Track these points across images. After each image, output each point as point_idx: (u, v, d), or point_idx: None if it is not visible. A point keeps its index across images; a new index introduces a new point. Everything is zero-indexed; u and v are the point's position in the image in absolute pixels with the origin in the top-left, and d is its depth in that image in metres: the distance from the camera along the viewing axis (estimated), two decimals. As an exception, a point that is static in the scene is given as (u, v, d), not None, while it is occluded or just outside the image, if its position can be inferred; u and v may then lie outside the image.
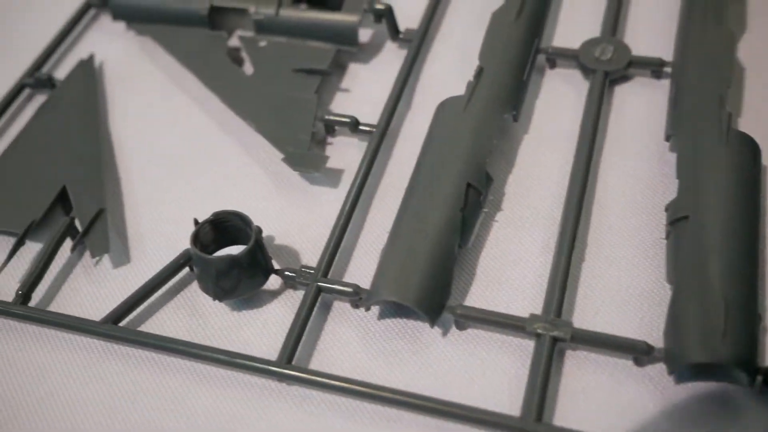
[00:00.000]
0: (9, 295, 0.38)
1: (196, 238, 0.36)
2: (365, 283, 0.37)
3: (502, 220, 0.39)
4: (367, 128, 0.42)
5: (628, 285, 0.36)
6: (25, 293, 0.37)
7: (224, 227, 0.37)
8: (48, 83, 0.47)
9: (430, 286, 0.34)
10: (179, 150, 0.44)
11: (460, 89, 0.44)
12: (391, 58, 0.47)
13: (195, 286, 0.38)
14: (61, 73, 0.48)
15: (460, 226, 0.36)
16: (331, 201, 0.41)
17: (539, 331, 0.33)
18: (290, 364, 0.34)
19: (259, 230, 0.36)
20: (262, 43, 0.47)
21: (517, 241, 0.38)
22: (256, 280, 0.36)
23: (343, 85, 0.46)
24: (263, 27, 0.47)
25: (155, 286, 0.37)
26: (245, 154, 0.43)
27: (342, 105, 0.45)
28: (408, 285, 0.34)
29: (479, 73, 0.41)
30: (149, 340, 0.35)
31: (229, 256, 0.35)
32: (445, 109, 0.41)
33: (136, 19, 0.50)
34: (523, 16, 0.44)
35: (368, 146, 0.41)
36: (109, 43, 0.50)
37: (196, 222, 0.36)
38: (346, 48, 0.46)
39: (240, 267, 0.35)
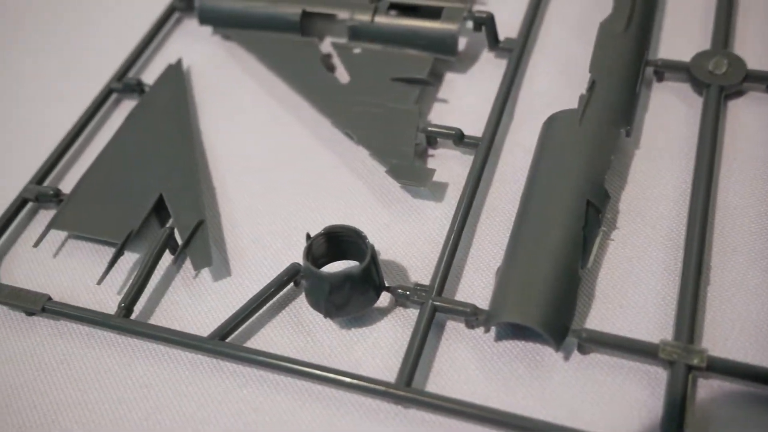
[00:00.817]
0: (104, 304, 0.37)
1: (308, 253, 0.35)
2: (477, 300, 0.35)
3: (618, 239, 0.37)
4: (472, 140, 0.41)
5: (758, 311, 0.34)
6: (127, 306, 0.36)
7: (336, 241, 0.36)
8: (137, 88, 0.46)
9: (555, 308, 0.33)
10: (273, 159, 0.43)
11: (562, 100, 0.43)
12: (489, 67, 0.45)
13: (300, 301, 0.37)
14: (147, 77, 0.47)
15: (583, 245, 0.34)
16: (436, 216, 0.39)
17: (673, 358, 0.32)
18: (410, 386, 0.33)
19: (374, 248, 0.34)
20: (356, 51, 0.46)
21: (636, 261, 0.36)
22: (368, 297, 0.35)
23: (441, 95, 0.44)
24: (357, 34, 0.46)
25: (262, 301, 0.36)
26: (342, 164, 0.42)
27: (440, 115, 0.43)
28: (532, 306, 0.33)
29: (592, 85, 0.40)
30: (260, 358, 0.34)
31: (345, 272, 0.34)
32: (557, 123, 0.39)
33: (223, 24, 0.48)
34: (632, 26, 0.43)
35: (474, 159, 0.40)
36: (195, 48, 0.49)
37: (308, 236, 0.35)
38: (444, 57, 0.45)
39: (353, 283, 0.34)
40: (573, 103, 0.42)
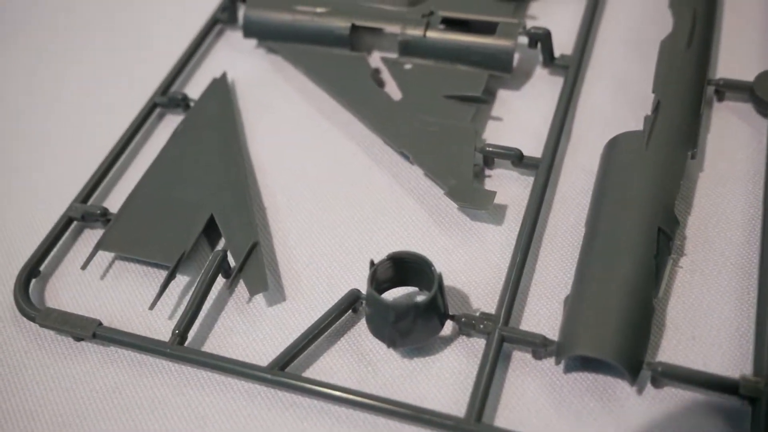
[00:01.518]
0: (156, 330, 0.36)
1: (372, 280, 0.33)
2: (543, 329, 0.34)
3: (687, 266, 0.36)
4: (531, 162, 0.39)
5: (838, 345, 0.33)
6: (181, 333, 0.35)
7: (400, 267, 0.34)
8: (182, 103, 0.45)
9: (629, 340, 0.32)
10: (325, 177, 0.42)
11: (620, 119, 0.42)
12: (544, 84, 0.44)
13: (359, 329, 0.35)
14: (191, 90, 0.46)
15: (655, 274, 0.33)
16: (496, 239, 0.38)
17: (756, 394, 0.30)
18: (480, 421, 0.31)
19: (441, 277, 0.33)
20: (408, 66, 0.45)
21: (707, 290, 0.35)
22: (432, 326, 0.34)
23: (495, 113, 0.43)
24: (408, 49, 0.44)
25: (321, 329, 0.34)
26: (396, 183, 0.41)
27: (495, 134, 0.42)
28: (606, 339, 0.32)
29: (657, 107, 0.39)
30: (322, 389, 0.33)
31: (412, 301, 0.32)
32: (621, 145, 0.38)
33: (269, 37, 0.47)
34: (694, 44, 0.41)
35: (535, 182, 0.39)
36: (239, 61, 0.48)
37: (372, 263, 0.34)
38: (499, 74, 0.43)
39: (418, 312, 0.33)
40: (631, 122, 0.41)
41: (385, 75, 0.45)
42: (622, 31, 0.46)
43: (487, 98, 0.43)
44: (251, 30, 0.47)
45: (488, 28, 0.44)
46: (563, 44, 0.45)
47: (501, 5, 0.47)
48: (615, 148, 0.38)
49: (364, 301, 0.35)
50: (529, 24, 0.46)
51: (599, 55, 0.45)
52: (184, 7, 0.52)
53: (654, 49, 0.44)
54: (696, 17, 0.42)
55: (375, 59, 0.47)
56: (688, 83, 0.40)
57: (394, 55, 0.45)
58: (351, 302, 0.35)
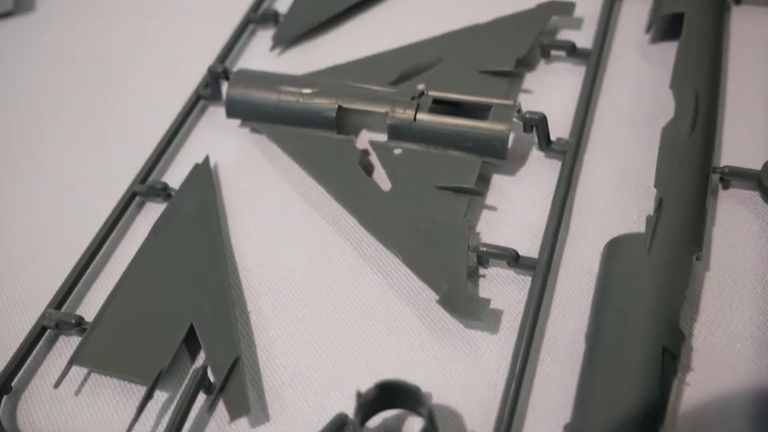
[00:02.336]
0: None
1: (359, 411, 0.31)
2: (542, 455, 0.32)
3: (694, 383, 0.34)
4: (528, 262, 0.37)
5: None
6: (159, 462, 0.33)
7: (389, 393, 0.32)
8: (162, 192, 0.43)
9: (634, 478, 0.30)
10: (312, 278, 0.39)
11: (622, 208, 0.40)
12: (540, 169, 0.42)
13: (347, 455, 0.34)
14: (173, 174, 0.44)
15: (661, 401, 0.31)
16: (492, 349, 0.36)
17: None
18: None
19: (432, 409, 0.31)
20: (397, 151, 0.43)
21: (717, 410, 0.33)
22: (424, 460, 0.32)
23: (489, 201, 0.41)
24: (398, 133, 0.42)
25: (307, 459, 0.32)
26: (386, 284, 0.39)
27: (489, 226, 0.40)
28: (609, 479, 0.30)
29: (660, 205, 0.37)
30: None
31: (400, 439, 0.31)
32: (621, 249, 0.36)
33: (253, 118, 0.45)
34: (697, 131, 0.39)
35: (532, 285, 0.37)
36: (222, 141, 0.46)
37: (358, 395, 0.32)
38: (493, 160, 0.41)
39: (409, 447, 0.31)
40: (633, 213, 0.39)
41: (374, 159, 0.43)
42: (621, 112, 0.44)
43: (480, 190, 0.41)
44: (234, 110, 0.45)
45: (481, 109, 0.42)
46: (559, 123, 0.43)
47: (494, 80, 0.45)
48: (615, 253, 0.36)
49: (351, 426, 0.33)
50: (524, 100, 0.45)
51: (597, 138, 0.43)
52: (164, 85, 0.50)
53: (655, 130, 0.42)
54: (698, 100, 0.40)
55: (363, 141, 0.45)
56: (692, 175, 0.38)
57: (383, 137, 0.43)
58: (338, 428, 0.33)
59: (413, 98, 0.43)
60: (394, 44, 0.49)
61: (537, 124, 0.41)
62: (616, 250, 0.36)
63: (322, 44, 0.51)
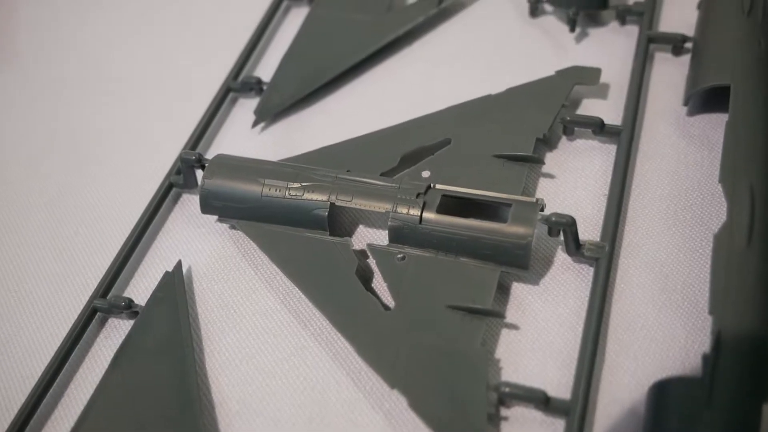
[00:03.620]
0: None
1: None
2: None
3: None
4: (560, 405, 0.31)
5: None
6: None
7: None
8: (126, 309, 0.37)
9: None
10: (300, 418, 0.33)
11: (666, 330, 0.34)
12: (568, 277, 0.36)
13: None
14: (139, 282, 0.38)
15: None
16: None
17: None
18: None
19: None
20: (400, 257, 0.36)
21: None
22: None
23: (510, 319, 0.35)
24: (401, 236, 0.36)
25: None
26: (389, 426, 0.33)
27: (510, 351, 0.34)
28: None
29: (718, 341, 0.30)
30: None
31: None
32: (673, 397, 0.30)
33: (232, 215, 0.39)
34: (756, 238, 0.33)
35: (566, 434, 0.31)
36: (197, 240, 0.40)
37: None
38: (513, 270, 0.35)
39: None
40: (681, 336, 0.34)
41: (372, 264, 0.37)
42: (659, 205, 0.38)
43: (500, 312, 0.35)
44: (210, 206, 0.39)
45: (500, 212, 0.36)
46: (587, 217, 0.38)
47: (512, 167, 0.39)
48: (665, 402, 0.30)
49: None
50: (545, 188, 0.39)
51: (633, 238, 0.37)
52: (134, 168, 0.44)
53: (701, 229, 0.36)
54: (755, 198, 0.34)
55: (361, 239, 0.39)
56: (754, 298, 0.32)
57: (383, 236, 0.37)
58: None
59: (418, 195, 0.36)
60: (394, 116, 0.43)
61: (564, 228, 0.35)
62: (665, 397, 0.30)
63: (312, 116, 0.45)
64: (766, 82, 0.39)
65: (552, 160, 0.41)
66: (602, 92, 0.43)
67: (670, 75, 0.44)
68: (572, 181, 0.40)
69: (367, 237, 0.39)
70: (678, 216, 0.37)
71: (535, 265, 0.36)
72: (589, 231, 0.37)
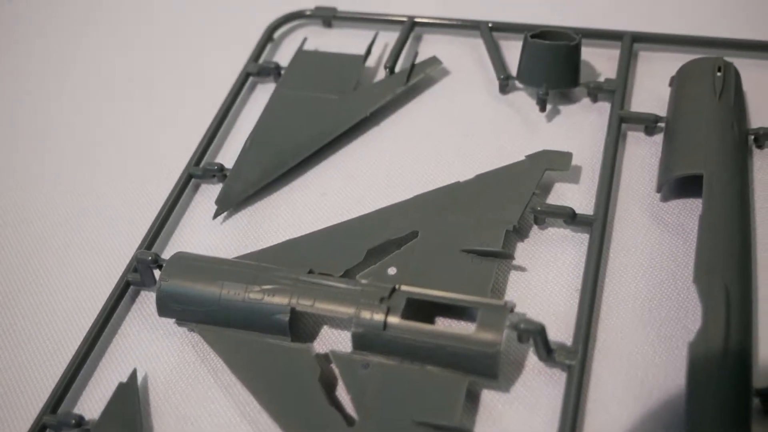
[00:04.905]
0: None
1: None
2: None
3: None
4: None
5: None
6: None
7: None
8: (77, 426, 0.35)
9: None
10: None
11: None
12: (539, 384, 0.34)
13: None
14: (92, 394, 0.37)
15: None
16: None
17: None
18: None
19: None
20: (364, 366, 0.35)
21: None
22: None
23: (478, 431, 0.34)
24: (365, 343, 0.35)
25: None
26: None
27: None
28: None
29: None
30: None
31: None
32: None
33: (190, 318, 0.37)
34: (732, 346, 0.32)
35: None
36: (155, 342, 0.38)
37: None
38: (481, 379, 0.34)
39: None
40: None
41: (336, 370, 0.36)
42: (633, 302, 0.36)
43: (467, 428, 0.33)
44: (167, 309, 0.37)
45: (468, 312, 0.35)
46: (559, 315, 0.36)
47: (481, 263, 0.37)
48: None
49: None
50: (516, 282, 0.38)
51: (606, 340, 0.35)
52: (87, 272, 0.42)
53: (678, 329, 0.35)
54: (730, 300, 0.33)
55: (325, 341, 0.37)
56: (731, 410, 0.30)
57: (346, 341, 0.36)
58: None
59: (382, 299, 0.35)
60: (362, 203, 0.42)
61: (533, 335, 0.33)
62: None
63: (277, 204, 0.43)
64: (741, 169, 0.38)
65: (523, 251, 0.39)
66: (574, 175, 0.42)
67: (643, 156, 0.42)
68: (544, 274, 0.38)
69: (332, 339, 0.37)
70: (653, 313, 0.36)
71: (506, 370, 0.35)
72: (562, 330, 0.36)
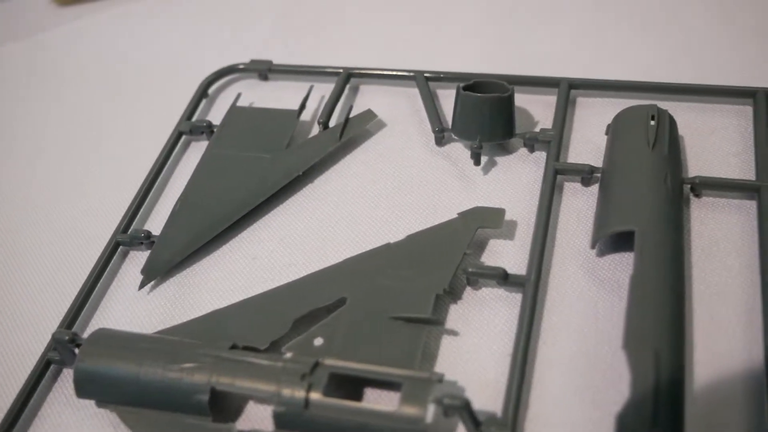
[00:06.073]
0: None
1: None
2: None
3: None
4: None
5: None
6: None
7: None
8: None
9: None
10: None
11: None
12: (470, 460, 0.33)
13: None
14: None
15: None
16: None
17: None
18: None
19: None
20: (287, 446, 0.34)
21: None
22: None
23: None
24: (286, 423, 0.34)
25: None
26: None
27: None
28: None
29: None
30: None
31: None
32: None
33: (110, 399, 0.36)
34: (661, 415, 0.31)
35: None
36: (75, 425, 0.37)
37: None
38: (409, 459, 0.33)
39: None
40: None
41: (261, 451, 0.35)
42: (568, 368, 0.35)
43: None
44: (85, 390, 0.36)
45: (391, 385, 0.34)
46: (491, 382, 0.35)
47: (410, 330, 0.36)
48: None
49: None
50: (447, 348, 0.36)
51: (540, 410, 0.34)
52: (7, 349, 0.41)
53: (613, 395, 0.34)
54: (660, 368, 0.32)
55: (250, 419, 0.36)
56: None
57: (268, 423, 0.35)
58: None
59: (303, 375, 0.34)
60: (291, 264, 0.41)
61: (458, 411, 0.32)
62: None
63: (206, 271, 0.42)
64: (675, 223, 0.37)
65: (456, 314, 0.38)
66: (510, 231, 0.41)
67: (580, 209, 0.41)
68: (477, 338, 0.37)
69: (257, 416, 0.36)
70: (586, 378, 0.35)
71: (436, 440, 0.34)
72: (493, 399, 0.35)
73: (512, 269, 0.38)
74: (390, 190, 0.44)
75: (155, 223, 0.45)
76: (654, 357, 0.32)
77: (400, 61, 0.51)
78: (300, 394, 0.33)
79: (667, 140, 0.40)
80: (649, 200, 0.37)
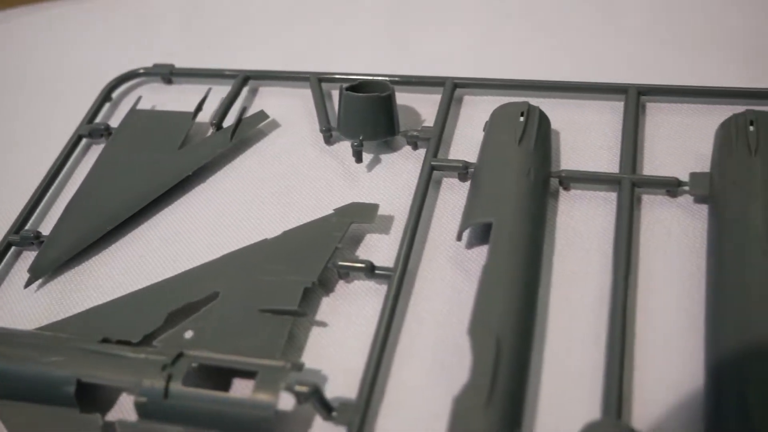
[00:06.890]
0: None
1: None
2: None
3: None
4: None
5: None
6: None
7: None
8: None
9: None
10: None
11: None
12: (325, 442, 0.35)
13: None
14: None
15: None
16: None
17: None
18: None
19: None
20: (150, 434, 0.35)
21: None
22: None
23: (260, 498, 0.34)
24: (148, 412, 0.35)
25: None
26: None
27: None
28: None
29: None
30: None
31: None
32: None
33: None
34: (496, 402, 0.32)
35: None
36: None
37: None
38: (261, 442, 0.34)
39: None
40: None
41: (126, 443, 0.36)
42: (426, 357, 0.36)
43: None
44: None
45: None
46: (352, 370, 0.36)
47: (277, 322, 0.37)
48: None
49: None
50: (314, 339, 0.38)
51: (396, 398, 0.35)
52: None
53: (459, 383, 0.35)
54: (501, 354, 0.33)
55: (124, 409, 0.37)
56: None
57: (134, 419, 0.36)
58: None
59: (165, 367, 0.35)
60: (176, 262, 0.42)
61: (308, 398, 0.33)
62: None
63: (95, 269, 0.43)
64: (534, 216, 0.39)
65: (327, 307, 0.39)
66: (386, 226, 0.42)
67: (455, 204, 0.43)
68: (344, 329, 0.38)
69: (128, 407, 0.37)
70: (445, 366, 0.36)
71: (295, 429, 0.35)
72: (353, 386, 0.36)
73: (385, 262, 0.40)
74: (280, 188, 0.46)
75: (51, 224, 0.46)
76: (495, 342, 0.33)
77: (300, 64, 0.53)
78: (160, 384, 0.35)
79: (534, 136, 0.41)
80: (512, 193, 0.39)
